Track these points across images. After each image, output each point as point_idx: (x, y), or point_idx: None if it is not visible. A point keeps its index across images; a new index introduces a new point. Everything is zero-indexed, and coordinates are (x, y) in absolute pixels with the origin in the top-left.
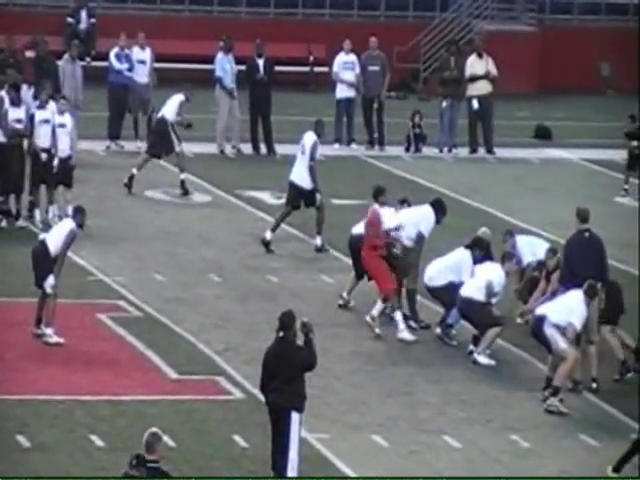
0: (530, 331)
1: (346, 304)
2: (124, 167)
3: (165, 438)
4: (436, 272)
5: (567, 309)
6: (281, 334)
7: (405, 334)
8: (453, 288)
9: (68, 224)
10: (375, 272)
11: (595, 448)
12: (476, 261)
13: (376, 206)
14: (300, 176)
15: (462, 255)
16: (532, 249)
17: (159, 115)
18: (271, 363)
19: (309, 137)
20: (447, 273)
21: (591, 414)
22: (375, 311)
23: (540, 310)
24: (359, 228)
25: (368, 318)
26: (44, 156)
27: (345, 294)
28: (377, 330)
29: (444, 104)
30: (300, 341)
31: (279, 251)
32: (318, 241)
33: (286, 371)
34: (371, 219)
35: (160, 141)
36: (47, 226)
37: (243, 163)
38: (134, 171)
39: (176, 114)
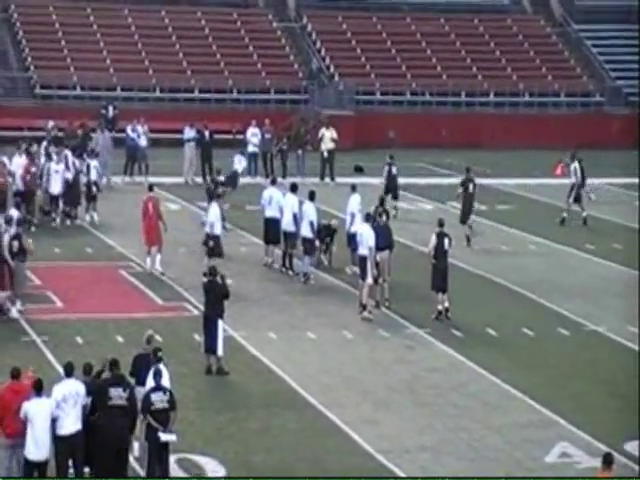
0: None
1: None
2: None
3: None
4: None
5: (364, 241)
6: (211, 278)
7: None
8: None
9: None
10: None
11: (385, 337)
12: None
13: None
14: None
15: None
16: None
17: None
18: (206, 292)
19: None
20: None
21: (385, 319)
22: None
23: (361, 251)
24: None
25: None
26: None
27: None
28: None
29: (299, 152)
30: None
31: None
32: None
33: (214, 297)
34: None
35: None
36: None
37: (196, 187)
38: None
39: None
